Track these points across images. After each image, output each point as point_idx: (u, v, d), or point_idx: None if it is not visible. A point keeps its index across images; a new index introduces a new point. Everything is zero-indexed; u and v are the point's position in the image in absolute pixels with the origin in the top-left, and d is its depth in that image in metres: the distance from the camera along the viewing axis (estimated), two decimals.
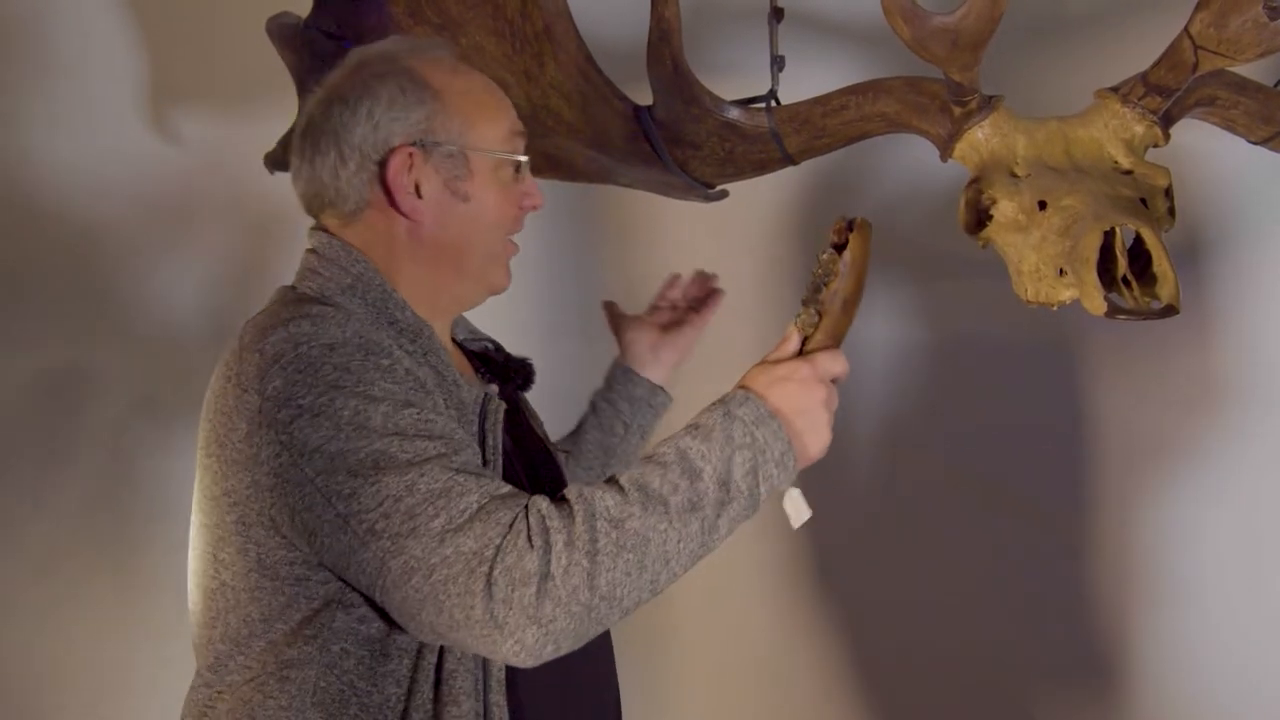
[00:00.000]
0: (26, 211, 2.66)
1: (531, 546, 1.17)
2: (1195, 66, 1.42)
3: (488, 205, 1.41)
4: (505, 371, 1.56)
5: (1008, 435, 2.55)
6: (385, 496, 1.19)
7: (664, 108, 1.65)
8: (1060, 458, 2.55)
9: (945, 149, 1.58)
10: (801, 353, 1.34)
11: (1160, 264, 1.37)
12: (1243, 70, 1.53)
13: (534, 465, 1.49)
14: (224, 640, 1.33)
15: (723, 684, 2.70)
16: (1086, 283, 1.36)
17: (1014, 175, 1.50)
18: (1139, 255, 1.39)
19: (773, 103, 1.68)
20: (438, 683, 1.29)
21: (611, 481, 1.23)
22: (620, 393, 1.76)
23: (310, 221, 1.47)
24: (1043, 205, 1.44)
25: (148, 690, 2.60)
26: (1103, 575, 2.54)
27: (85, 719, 2.70)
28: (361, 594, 1.27)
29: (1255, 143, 1.69)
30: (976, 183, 1.51)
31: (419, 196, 1.38)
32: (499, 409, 1.39)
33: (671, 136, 1.68)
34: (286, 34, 1.85)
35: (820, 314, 1.35)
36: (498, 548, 1.17)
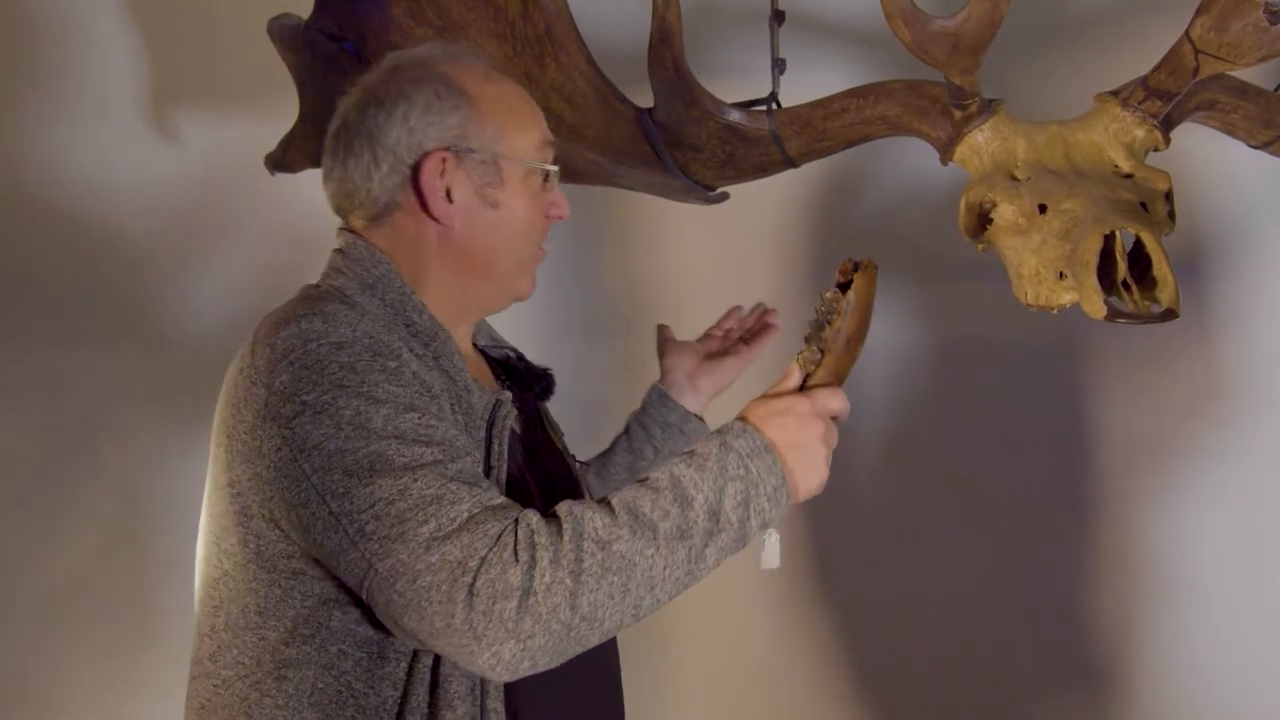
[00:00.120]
0: (26, 212, 2.66)
1: (516, 561, 1.17)
2: (1196, 71, 1.42)
3: (516, 213, 1.41)
4: (525, 380, 1.56)
5: (1007, 437, 2.56)
6: (377, 499, 1.20)
7: (665, 110, 1.65)
8: (1059, 460, 2.56)
9: (945, 152, 1.58)
10: (802, 389, 1.34)
11: (1160, 268, 1.37)
12: (1243, 74, 1.53)
13: (548, 476, 1.49)
14: (226, 629, 1.34)
15: (723, 685, 2.70)
16: (1086, 286, 1.36)
17: (1014, 179, 1.50)
18: (1139, 259, 1.39)
19: (774, 105, 1.68)
20: (434, 686, 1.29)
21: (603, 502, 1.23)
22: (653, 417, 1.75)
23: (339, 222, 1.47)
24: (1043, 209, 1.44)
25: (156, 691, 2.61)
26: (1103, 577, 2.54)
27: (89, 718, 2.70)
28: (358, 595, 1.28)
29: (1256, 147, 1.70)
30: (976, 186, 1.51)
31: (450, 201, 1.38)
32: (508, 415, 1.39)
33: (672, 139, 1.68)
34: (287, 35, 1.85)
35: (823, 351, 1.35)
36: (483, 559, 1.17)
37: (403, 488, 1.20)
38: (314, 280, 1.43)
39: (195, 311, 2.68)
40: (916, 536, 2.60)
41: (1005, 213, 1.47)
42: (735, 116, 1.66)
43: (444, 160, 1.37)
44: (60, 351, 2.68)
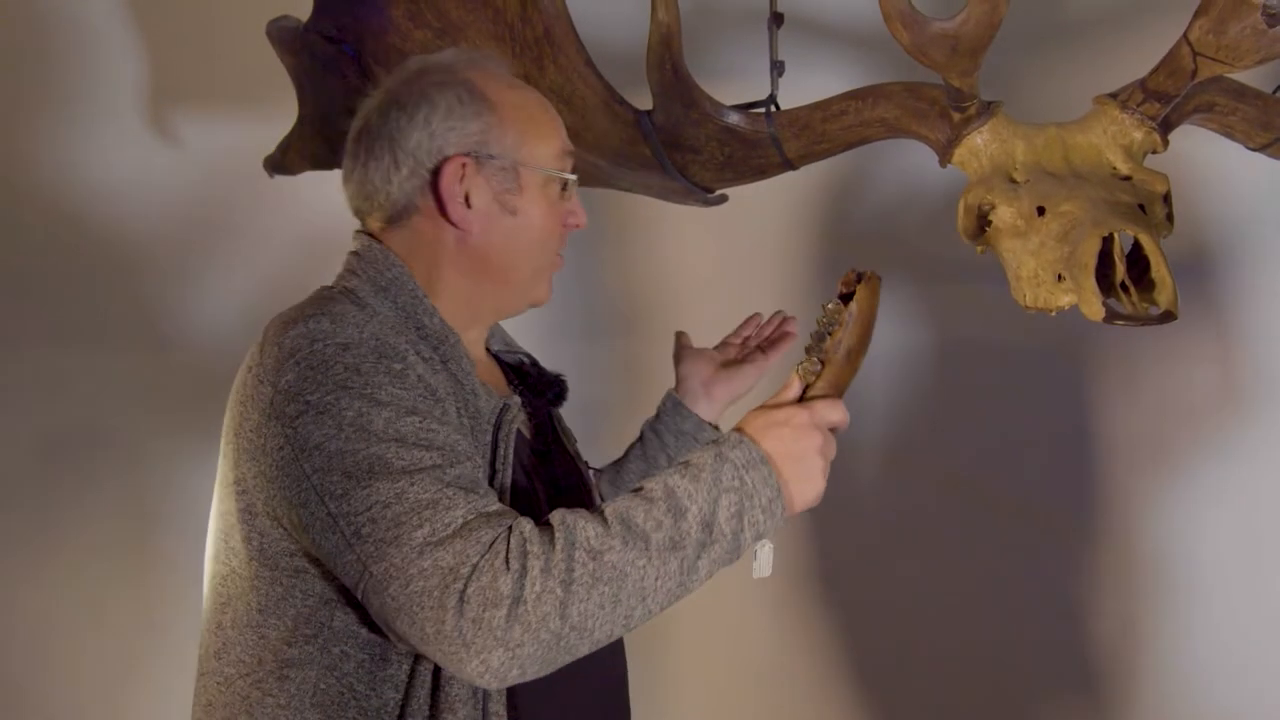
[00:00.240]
0: (26, 213, 2.67)
1: (508, 569, 1.17)
2: (1194, 73, 1.42)
3: (534, 220, 1.42)
4: (538, 385, 1.56)
5: (1007, 438, 2.56)
6: (374, 502, 1.20)
7: (663, 112, 1.65)
8: (1058, 461, 2.56)
9: (944, 154, 1.58)
10: (802, 400, 1.33)
11: (1158, 270, 1.37)
12: (1241, 77, 1.53)
13: (557, 482, 1.49)
14: (232, 626, 1.34)
15: (723, 685, 2.70)
16: (1085, 288, 1.36)
17: (1013, 181, 1.50)
18: (1137, 261, 1.39)
19: (772, 108, 1.68)
20: (435, 689, 1.29)
21: (597, 512, 1.23)
22: (667, 425, 1.74)
23: (338, 223, 1.48)
24: (1041, 211, 1.44)
25: (160, 692, 2.61)
26: (1103, 578, 2.54)
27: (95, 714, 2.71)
28: None
29: (1254, 149, 1.70)
30: (975, 188, 1.52)
31: (468, 207, 1.39)
32: (514, 420, 1.39)
33: (671, 141, 1.68)
34: (286, 37, 1.85)
35: (823, 363, 1.34)
36: (474, 566, 1.17)
37: (399, 491, 1.20)
38: (313, 281, 1.43)
39: (194, 312, 2.69)
40: (916, 537, 2.60)
41: (1004, 215, 1.47)
42: (734, 119, 1.66)
43: (464, 166, 1.38)
44: (60, 352, 2.68)
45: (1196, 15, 1.39)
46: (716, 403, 1.75)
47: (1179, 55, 1.43)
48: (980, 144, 1.55)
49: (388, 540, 1.19)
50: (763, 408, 1.33)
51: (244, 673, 1.33)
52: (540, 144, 1.42)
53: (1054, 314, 1.43)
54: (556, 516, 1.22)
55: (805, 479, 1.29)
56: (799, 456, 1.28)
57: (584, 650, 1.21)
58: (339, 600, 1.30)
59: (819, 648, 2.65)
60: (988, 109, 1.54)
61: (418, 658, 1.29)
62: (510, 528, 1.20)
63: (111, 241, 2.66)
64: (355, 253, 1.42)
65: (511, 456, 1.37)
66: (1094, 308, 1.36)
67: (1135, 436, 2.51)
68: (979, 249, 1.54)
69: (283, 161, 2.00)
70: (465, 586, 1.16)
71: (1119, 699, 2.52)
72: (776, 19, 1.72)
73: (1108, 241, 1.37)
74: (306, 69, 1.86)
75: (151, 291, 2.68)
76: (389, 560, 1.19)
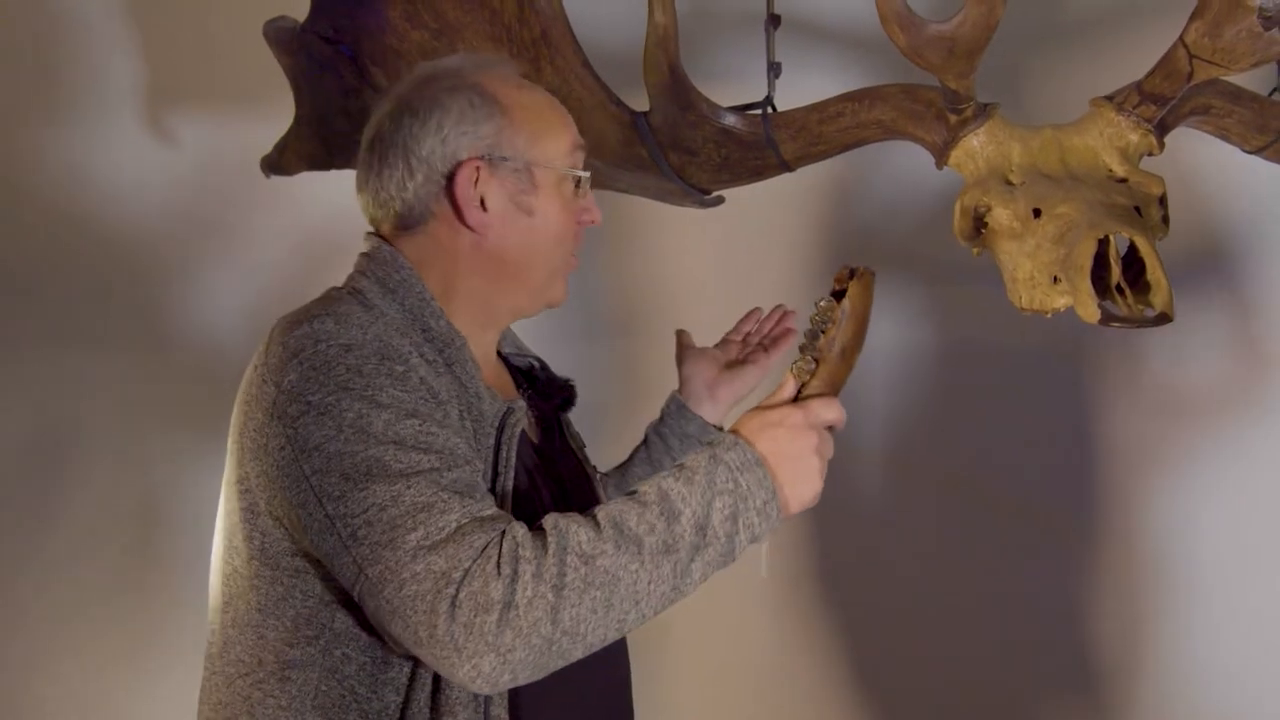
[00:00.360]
0: (26, 213, 2.67)
1: (499, 574, 1.17)
2: (1190, 75, 1.42)
3: (550, 219, 1.42)
4: (546, 390, 1.56)
5: (1004, 439, 2.56)
6: (371, 504, 1.20)
7: (660, 114, 1.66)
8: (1057, 462, 2.56)
9: (941, 156, 1.58)
10: (797, 400, 1.32)
11: (1154, 272, 1.37)
12: (1237, 79, 1.54)
13: (564, 487, 1.49)
14: (234, 625, 1.35)
15: (724, 686, 2.70)
16: (1080, 290, 1.36)
17: (1009, 183, 1.50)
18: (1133, 263, 1.39)
19: (769, 109, 1.68)
20: (435, 691, 1.29)
21: (590, 516, 1.23)
22: (672, 428, 1.74)
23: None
24: (1037, 213, 1.44)
25: (164, 696, 2.61)
26: (1104, 579, 2.54)
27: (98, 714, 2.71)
28: None
29: (1250, 152, 1.70)
30: (971, 190, 1.52)
31: (484, 210, 1.39)
32: (518, 423, 1.39)
33: (668, 142, 1.68)
34: (283, 38, 1.85)
35: (817, 361, 1.33)
36: (466, 571, 1.17)
37: (396, 494, 1.20)
38: (311, 280, 1.43)
39: (194, 312, 2.69)
40: (916, 538, 2.60)
41: (1000, 217, 1.47)
42: (731, 120, 1.66)
43: (478, 169, 1.38)
44: (60, 352, 2.68)
45: (1192, 18, 1.39)
46: (721, 404, 1.75)
47: (1175, 58, 1.43)
48: (976, 146, 1.55)
49: (383, 543, 1.19)
50: (758, 408, 1.33)
51: (244, 672, 1.33)
52: (552, 142, 1.42)
53: (1049, 315, 1.43)
54: (549, 521, 1.22)
55: (801, 480, 1.28)
56: (795, 457, 1.28)
57: (577, 655, 1.21)
58: (339, 602, 1.30)
59: (819, 648, 2.65)
60: (984, 111, 1.54)
61: (419, 660, 1.29)
62: (503, 532, 1.20)
63: (111, 241, 2.67)
64: (365, 254, 1.43)
65: (514, 460, 1.37)
66: (1089, 310, 1.36)
67: (1135, 437, 2.52)
68: (975, 251, 1.54)
69: (279, 162, 2.00)
70: (457, 591, 1.16)
71: (1119, 699, 2.53)
72: (774, 21, 1.72)
73: (1103, 244, 1.37)
74: (303, 69, 1.86)
75: (150, 291, 2.68)
76: (383, 563, 1.19)
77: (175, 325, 2.69)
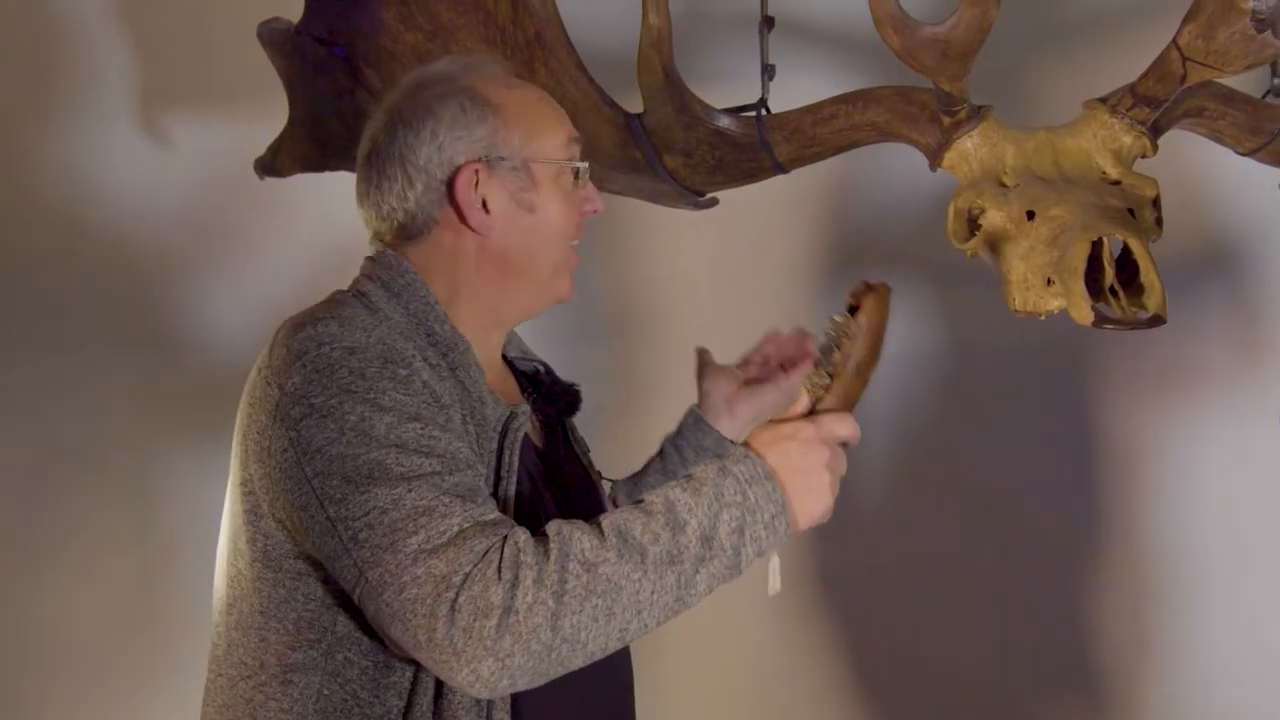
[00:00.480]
0: (25, 213, 2.67)
1: (500, 578, 1.16)
2: (1183, 78, 1.42)
3: (553, 214, 1.42)
4: (551, 394, 1.55)
5: (1003, 439, 2.56)
6: (372, 507, 1.20)
7: (654, 115, 1.66)
8: (1056, 462, 2.56)
9: (934, 158, 1.59)
10: (810, 415, 1.32)
11: (1147, 274, 1.38)
12: (1230, 82, 1.54)
13: (567, 492, 1.49)
14: (237, 628, 1.35)
15: (724, 687, 2.70)
16: (1074, 292, 1.37)
17: (1002, 185, 1.50)
18: (1126, 265, 1.39)
19: (763, 111, 1.68)
20: (438, 696, 1.29)
21: (595, 523, 1.23)
22: (688, 440, 1.73)
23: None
24: (1031, 215, 1.44)
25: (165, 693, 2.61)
26: (1105, 580, 2.54)
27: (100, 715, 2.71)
28: None
29: (1243, 154, 1.70)
30: (965, 192, 1.52)
31: (487, 211, 1.39)
32: (520, 428, 1.39)
33: (662, 144, 1.68)
34: (277, 39, 1.84)
35: (832, 376, 1.33)
36: (466, 575, 1.17)
37: (397, 497, 1.20)
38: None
39: (193, 312, 2.69)
40: (916, 538, 2.60)
41: (994, 219, 1.47)
42: (725, 122, 1.66)
43: (477, 171, 1.38)
44: (59, 355, 2.68)
45: (1186, 20, 1.39)
46: (739, 420, 1.74)
47: (1168, 60, 1.43)
48: (970, 148, 1.55)
49: (383, 546, 1.19)
50: (770, 422, 1.32)
51: (246, 675, 1.33)
52: (547, 137, 1.42)
53: (1043, 317, 1.43)
54: (553, 527, 1.22)
55: (811, 495, 1.28)
56: (805, 471, 1.27)
57: (577, 663, 1.20)
58: (342, 605, 1.30)
59: (819, 649, 2.66)
60: (978, 113, 1.54)
61: (421, 665, 1.29)
62: (505, 537, 1.20)
63: (109, 242, 2.67)
64: (371, 258, 1.43)
65: (517, 464, 1.37)
66: (1083, 312, 1.36)
67: (1134, 437, 2.52)
68: (969, 253, 1.54)
69: (273, 163, 2.00)
70: (457, 595, 1.16)
71: (1119, 699, 2.53)
72: (767, 23, 1.72)
73: (1097, 246, 1.37)
74: (297, 71, 1.86)
75: (150, 292, 2.68)
76: (383, 566, 1.19)
77: (174, 325, 2.69)
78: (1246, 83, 1.63)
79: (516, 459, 1.37)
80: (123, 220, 2.66)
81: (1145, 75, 1.48)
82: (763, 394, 1.74)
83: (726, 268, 2.62)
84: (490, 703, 1.29)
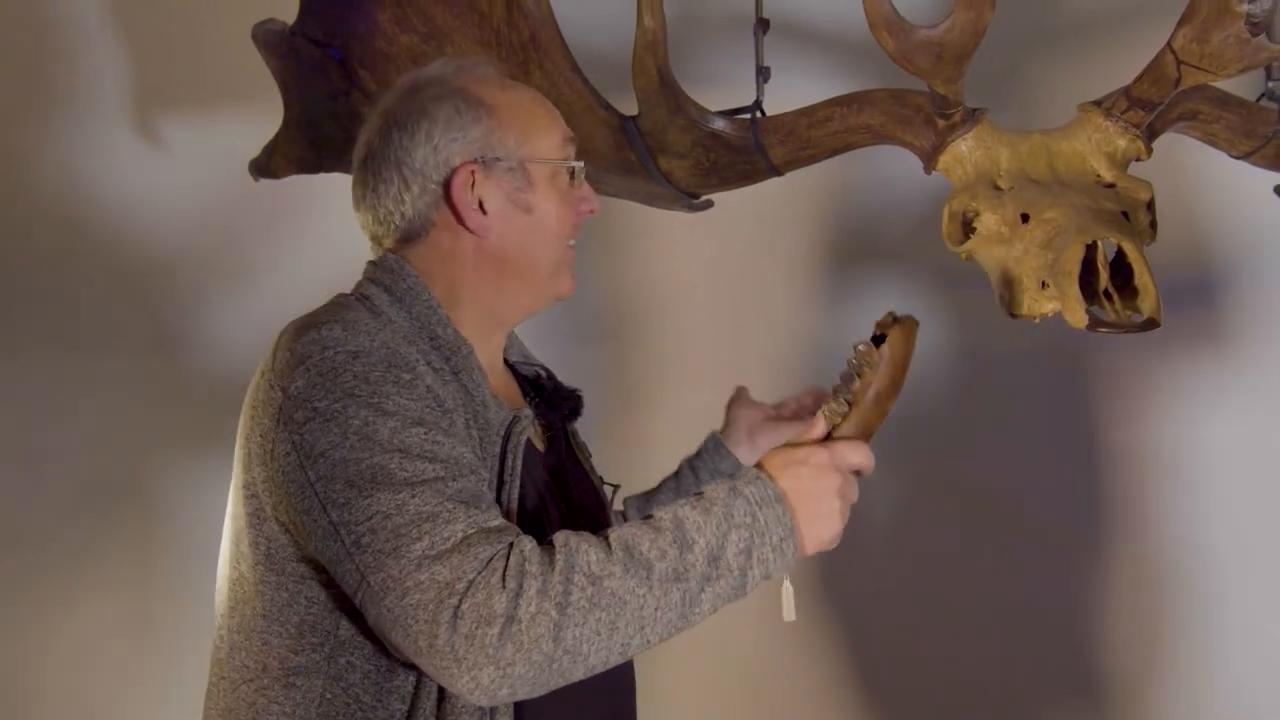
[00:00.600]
0: (24, 212, 2.66)
1: (503, 587, 1.16)
2: (1178, 81, 1.43)
3: (549, 214, 1.42)
4: (553, 399, 1.55)
5: (1002, 441, 2.56)
6: (375, 512, 1.20)
7: (649, 118, 1.66)
8: (1056, 463, 2.56)
9: (929, 161, 1.59)
10: (826, 441, 1.32)
11: (1142, 277, 1.38)
12: (1225, 85, 1.54)
13: (570, 496, 1.48)
14: (239, 631, 1.35)
15: (723, 686, 2.70)
16: (1068, 295, 1.37)
17: (997, 188, 1.50)
18: (1120, 268, 1.39)
19: (758, 114, 1.68)
20: (440, 701, 1.28)
21: (603, 537, 1.23)
22: (706, 462, 1.73)
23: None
24: (1025, 218, 1.44)
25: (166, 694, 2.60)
26: (1107, 582, 2.55)
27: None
28: None
29: (1237, 157, 1.70)
30: (960, 195, 1.52)
31: (484, 212, 1.39)
32: (523, 432, 1.39)
33: (657, 146, 1.68)
34: (272, 40, 1.84)
35: (850, 405, 1.33)
36: (470, 582, 1.16)
37: (400, 503, 1.20)
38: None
39: (190, 315, 2.69)
40: (917, 539, 2.60)
41: (988, 222, 1.47)
42: (720, 124, 1.66)
43: (473, 173, 1.38)
44: (58, 355, 2.67)
45: (1180, 24, 1.39)
46: (758, 450, 1.72)
47: (1163, 63, 1.43)
48: (965, 151, 1.55)
49: (386, 551, 1.19)
50: (785, 446, 1.33)
51: (249, 678, 1.33)
52: (542, 137, 1.42)
53: (1038, 321, 1.43)
54: (560, 538, 1.22)
55: (821, 520, 1.28)
56: (816, 496, 1.28)
57: (578, 675, 1.20)
58: (344, 609, 1.29)
59: (819, 649, 2.65)
60: (972, 116, 1.54)
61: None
62: (510, 545, 1.20)
63: (107, 243, 2.66)
64: (373, 262, 1.43)
65: (520, 469, 1.37)
66: (1077, 315, 1.36)
67: (1134, 439, 2.52)
68: (963, 256, 1.54)
69: (268, 165, 1.99)
70: (460, 602, 1.16)
71: (1119, 700, 2.53)
72: (762, 25, 1.72)
73: (1091, 249, 1.37)
74: (292, 72, 1.86)
75: (148, 293, 2.68)
76: (386, 571, 1.18)
77: (174, 326, 2.69)
78: (1241, 86, 1.63)
79: (519, 464, 1.37)
80: (121, 221, 2.66)
81: (1140, 78, 1.48)
82: (787, 430, 1.72)
83: (721, 270, 2.62)
84: (493, 708, 1.29)
